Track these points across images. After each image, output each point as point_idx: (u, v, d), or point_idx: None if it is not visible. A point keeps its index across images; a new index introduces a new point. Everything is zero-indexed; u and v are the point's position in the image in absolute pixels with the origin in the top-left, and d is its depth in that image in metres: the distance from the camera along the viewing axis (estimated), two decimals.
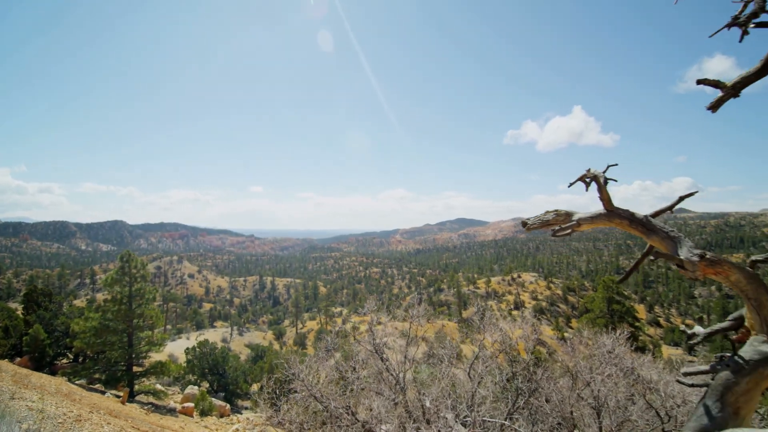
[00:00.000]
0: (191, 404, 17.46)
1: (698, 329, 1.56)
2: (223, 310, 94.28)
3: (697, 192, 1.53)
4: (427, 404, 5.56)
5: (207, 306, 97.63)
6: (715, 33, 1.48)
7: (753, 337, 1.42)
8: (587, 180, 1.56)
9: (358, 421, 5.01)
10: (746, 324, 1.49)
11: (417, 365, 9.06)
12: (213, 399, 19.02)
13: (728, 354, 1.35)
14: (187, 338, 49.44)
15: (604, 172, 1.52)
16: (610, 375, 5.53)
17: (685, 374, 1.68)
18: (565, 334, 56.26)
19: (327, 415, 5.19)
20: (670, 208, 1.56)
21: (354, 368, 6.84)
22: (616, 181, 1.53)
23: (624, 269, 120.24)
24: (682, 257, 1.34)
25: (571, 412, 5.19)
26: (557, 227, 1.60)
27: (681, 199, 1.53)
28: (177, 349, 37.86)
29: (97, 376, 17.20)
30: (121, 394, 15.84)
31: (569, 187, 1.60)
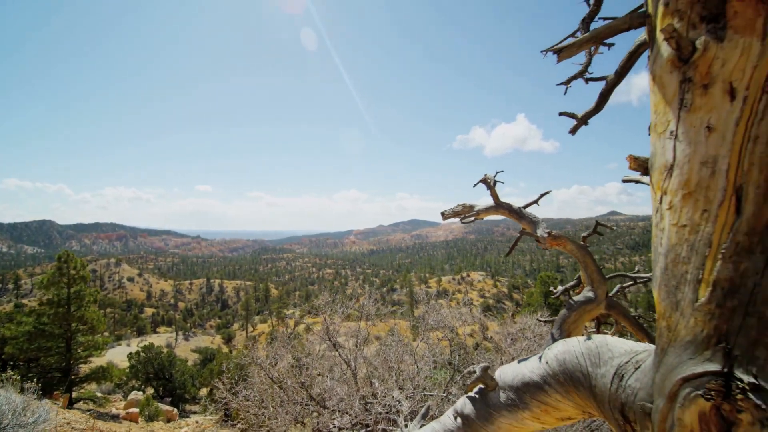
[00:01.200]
0: (136, 410, 16.88)
1: (559, 288, 2.22)
2: (166, 314, 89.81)
3: (549, 192, 2.18)
4: (377, 384, 6.12)
5: (149, 311, 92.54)
6: (568, 82, 2.12)
7: (585, 289, 2.09)
8: (487, 181, 2.17)
9: (313, 398, 5.43)
10: (582, 280, 2.16)
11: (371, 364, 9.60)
12: (159, 404, 18.47)
13: (571, 301, 2.02)
14: (128, 345, 46.86)
15: (494, 176, 2.13)
16: (525, 346, 6.46)
17: (544, 320, 2.36)
18: (509, 330, 59.36)
19: (284, 396, 5.56)
20: (535, 202, 2.20)
21: (308, 353, 7.27)
22: (503, 183, 2.15)
23: (563, 267, 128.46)
24: (538, 234, 1.98)
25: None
26: (463, 216, 2.19)
27: (541, 195, 2.16)
28: (116, 356, 35.88)
29: (29, 385, 16.16)
30: (60, 401, 15.04)
31: (474, 186, 2.19)
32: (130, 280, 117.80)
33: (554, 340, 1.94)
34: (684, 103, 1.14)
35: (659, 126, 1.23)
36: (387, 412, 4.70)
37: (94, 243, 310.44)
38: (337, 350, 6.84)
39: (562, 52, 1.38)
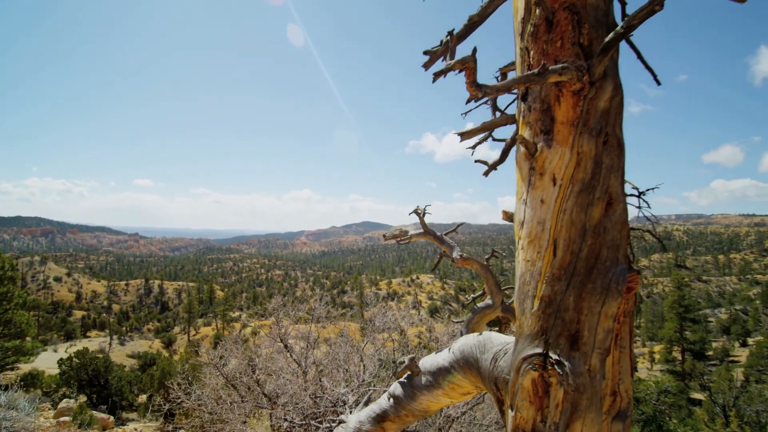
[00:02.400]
0: (68, 418, 16.02)
1: (470, 297, 2.86)
2: (99, 317, 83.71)
3: (463, 223, 2.81)
4: (325, 383, 6.59)
5: (78, 313, 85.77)
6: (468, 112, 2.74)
7: (487, 297, 2.75)
8: (418, 212, 2.76)
9: (266, 395, 5.76)
10: (485, 291, 2.82)
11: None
12: (94, 412, 17.59)
13: (476, 306, 2.66)
14: (55, 350, 43.37)
15: (424, 208, 2.72)
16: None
17: (457, 321, 3.00)
18: (449, 329, 61.64)
19: (237, 395, 5.82)
20: (454, 230, 2.83)
21: (260, 354, 7.56)
22: (430, 213, 2.75)
23: (507, 271, 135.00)
24: (453, 256, 2.61)
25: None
26: (400, 239, 2.75)
27: (457, 226, 2.80)
28: (42, 362, 33.18)
29: None
30: None
31: (409, 215, 2.77)
32: (57, 280, 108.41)
33: (461, 335, 2.57)
34: (530, 183, 1.79)
35: (518, 194, 1.88)
36: (334, 405, 5.19)
37: (14, 238, 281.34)
38: (288, 351, 7.22)
39: (464, 135, 1.99)
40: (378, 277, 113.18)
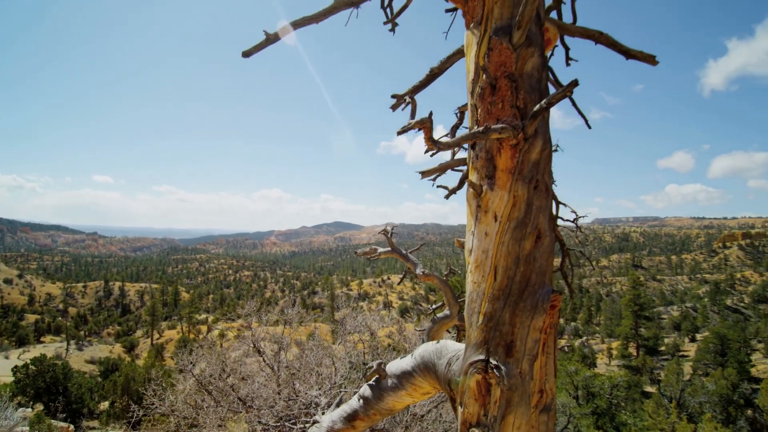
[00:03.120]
0: (25, 428, 15.40)
1: (431, 308, 3.22)
2: (53, 322, 79.55)
3: (424, 243, 3.18)
4: (298, 386, 6.83)
5: (31, 318, 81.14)
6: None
7: (445, 308, 3.12)
8: (386, 233, 3.09)
9: (240, 399, 5.92)
10: (444, 302, 3.19)
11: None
12: (53, 421, 16.96)
13: (435, 317, 3.02)
14: (6, 357, 41.06)
15: (392, 229, 3.06)
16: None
17: (419, 330, 3.36)
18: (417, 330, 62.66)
19: (211, 400, 5.94)
20: (417, 249, 3.18)
21: (234, 360, 7.69)
22: (396, 233, 3.09)
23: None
24: (417, 272, 2.97)
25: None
26: (371, 255, 3.08)
27: (420, 246, 3.14)
28: None
29: None
30: None
31: (379, 231, 3.09)
32: (8, 282, 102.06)
33: (422, 342, 2.92)
34: (477, 218, 2.16)
35: (468, 227, 2.25)
36: (307, 407, 5.45)
37: None
38: (261, 356, 7.39)
39: (424, 174, 2.34)
40: (349, 278, 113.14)
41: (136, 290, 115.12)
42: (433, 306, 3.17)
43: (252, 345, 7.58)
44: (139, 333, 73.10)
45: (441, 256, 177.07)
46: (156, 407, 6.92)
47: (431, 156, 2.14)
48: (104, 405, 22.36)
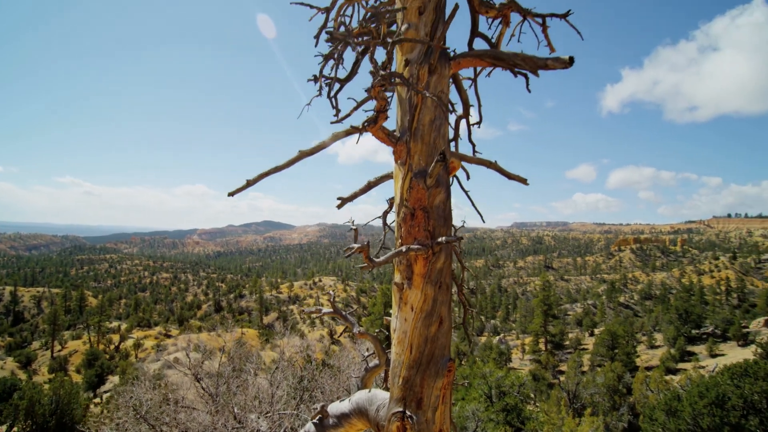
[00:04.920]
0: None
1: (365, 356, 4.03)
2: None
3: (354, 308, 3.96)
4: (236, 411, 7.25)
5: None
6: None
7: (376, 358, 3.94)
8: (330, 299, 3.81)
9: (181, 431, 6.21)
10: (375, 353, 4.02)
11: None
12: None
13: (367, 366, 3.84)
14: None
15: (334, 295, 3.75)
16: (358, 372, 8.50)
17: (357, 377, 4.21)
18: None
19: None
20: (351, 312, 3.91)
21: (173, 389, 7.83)
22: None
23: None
24: (354, 331, 3.79)
25: (338, 398, 7.82)
26: (315, 315, 3.78)
27: (353, 310, 3.86)
28: None
29: None
30: None
31: (325, 294, 3.76)
32: None
33: (359, 388, 3.70)
34: (400, 306, 2.99)
35: (393, 311, 3.07)
36: None
37: None
38: (199, 382, 7.64)
39: (343, 201, 3.10)
40: (279, 280, 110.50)
41: (32, 295, 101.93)
42: (367, 354, 3.96)
43: (193, 376, 7.76)
44: (36, 345, 65.05)
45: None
46: None
47: (368, 272, 2.92)
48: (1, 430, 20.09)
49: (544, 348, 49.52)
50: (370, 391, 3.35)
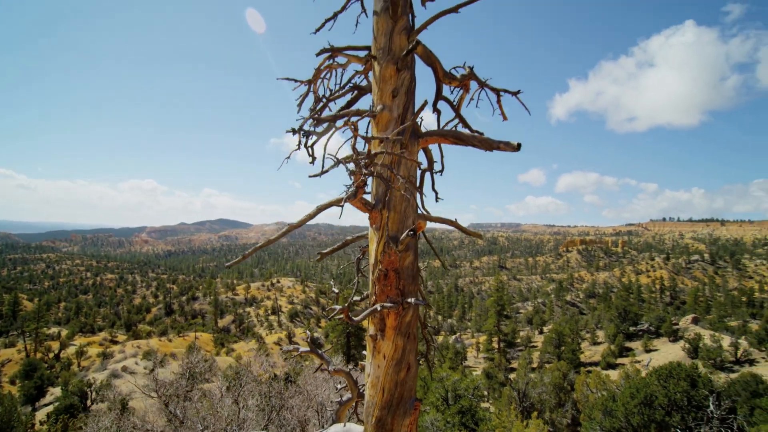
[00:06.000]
0: None
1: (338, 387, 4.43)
2: None
3: (324, 341, 4.37)
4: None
5: None
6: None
7: (348, 392, 4.37)
8: (308, 339, 4.14)
9: None
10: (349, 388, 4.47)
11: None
12: None
13: (340, 400, 4.26)
14: None
15: (312, 335, 4.14)
16: (325, 392, 8.85)
17: (331, 410, 4.66)
18: (315, 334, 63.33)
19: None
20: (326, 350, 4.31)
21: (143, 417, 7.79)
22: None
23: (365, 272, 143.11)
24: (329, 369, 4.19)
25: (305, 417, 8.13)
26: (293, 354, 4.14)
27: (323, 361, 4.40)
28: None
29: None
30: None
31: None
32: None
33: (333, 420, 4.10)
34: (374, 354, 3.43)
35: (367, 358, 3.51)
36: None
37: None
38: (167, 407, 7.67)
39: (323, 255, 3.52)
40: (235, 281, 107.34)
41: None
42: (340, 387, 4.36)
43: (163, 403, 7.76)
44: None
45: (332, 257, 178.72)
46: None
47: (349, 324, 3.34)
48: None
49: (497, 347, 51.74)
50: (345, 425, 3.76)
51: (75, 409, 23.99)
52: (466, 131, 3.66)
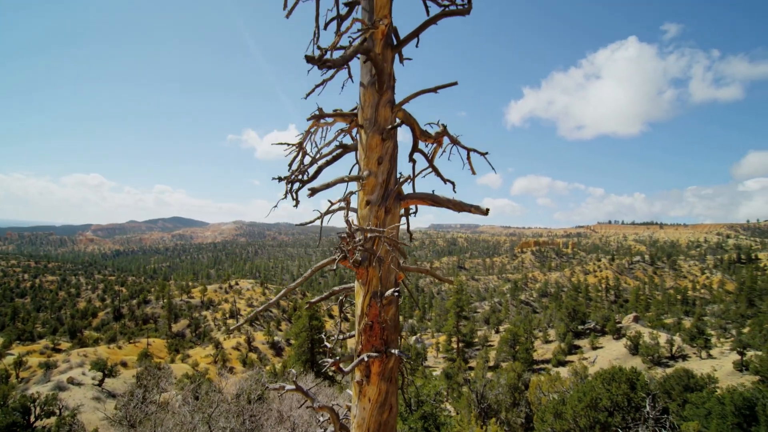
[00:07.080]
0: None
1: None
2: None
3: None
4: None
5: None
6: None
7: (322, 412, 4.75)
8: (294, 383, 4.46)
9: None
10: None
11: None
12: None
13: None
14: None
15: (296, 373, 4.44)
16: (299, 414, 9.10)
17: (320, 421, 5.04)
18: (275, 338, 62.39)
19: None
20: (311, 388, 4.67)
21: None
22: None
23: (326, 272, 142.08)
24: (315, 406, 4.43)
25: None
26: (280, 392, 4.43)
27: (304, 404, 4.75)
28: None
29: None
30: None
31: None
32: None
33: None
34: (359, 398, 3.82)
35: (353, 400, 3.89)
36: None
37: None
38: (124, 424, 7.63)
39: (311, 304, 3.85)
40: (190, 283, 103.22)
41: None
42: (321, 420, 4.71)
43: (122, 421, 7.69)
44: None
45: (293, 257, 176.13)
46: None
47: (335, 371, 3.71)
48: None
49: (456, 347, 53.38)
50: None
51: (17, 427, 22.49)
52: (442, 195, 4.13)
